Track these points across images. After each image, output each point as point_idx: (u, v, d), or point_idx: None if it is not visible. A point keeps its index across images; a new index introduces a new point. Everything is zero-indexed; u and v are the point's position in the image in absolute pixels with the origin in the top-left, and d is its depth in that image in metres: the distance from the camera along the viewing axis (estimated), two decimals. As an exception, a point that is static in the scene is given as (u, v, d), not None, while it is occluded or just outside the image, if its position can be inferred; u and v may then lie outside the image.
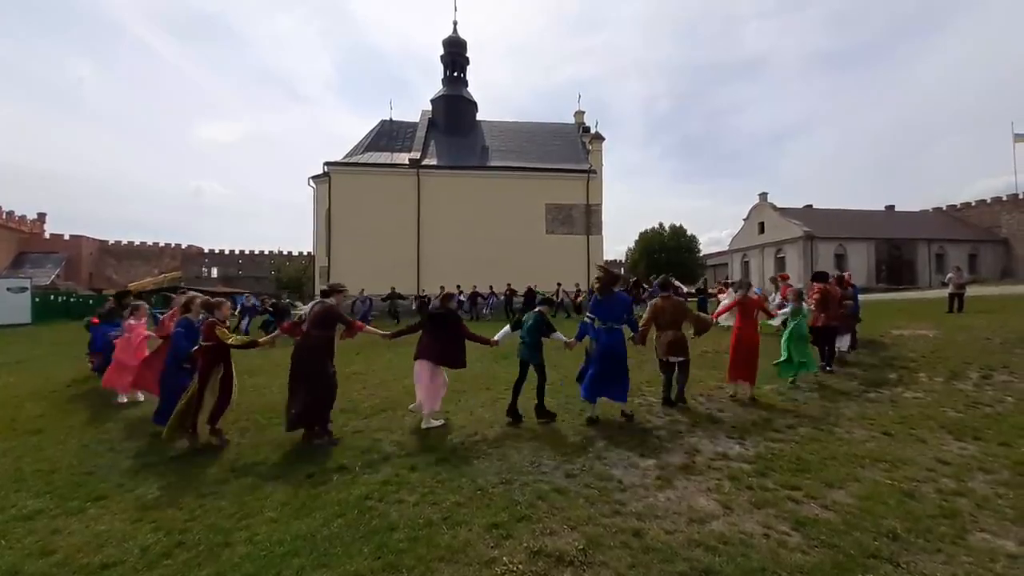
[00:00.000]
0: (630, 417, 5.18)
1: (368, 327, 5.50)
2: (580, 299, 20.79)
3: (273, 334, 5.33)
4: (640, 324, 5.71)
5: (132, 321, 6.98)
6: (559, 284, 21.78)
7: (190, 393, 4.66)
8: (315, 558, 2.72)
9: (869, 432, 4.57)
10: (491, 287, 21.94)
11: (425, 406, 5.12)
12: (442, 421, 5.25)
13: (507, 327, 5.60)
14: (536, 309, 5.53)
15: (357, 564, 2.64)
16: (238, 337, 4.87)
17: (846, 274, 9.49)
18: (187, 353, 4.99)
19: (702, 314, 6.20)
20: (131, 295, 8.11)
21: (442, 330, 5.27)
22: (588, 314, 5.42)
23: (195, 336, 4.92)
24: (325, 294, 5.21)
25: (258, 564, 2.68)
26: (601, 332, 5.16)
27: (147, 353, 6.52)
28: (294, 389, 4.75)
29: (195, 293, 6.44)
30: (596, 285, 5.44)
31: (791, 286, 8.03)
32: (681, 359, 5.68)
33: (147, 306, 7.09)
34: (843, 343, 8.04)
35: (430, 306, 5.60)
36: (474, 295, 21.00)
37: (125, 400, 6.59)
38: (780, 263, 38.96)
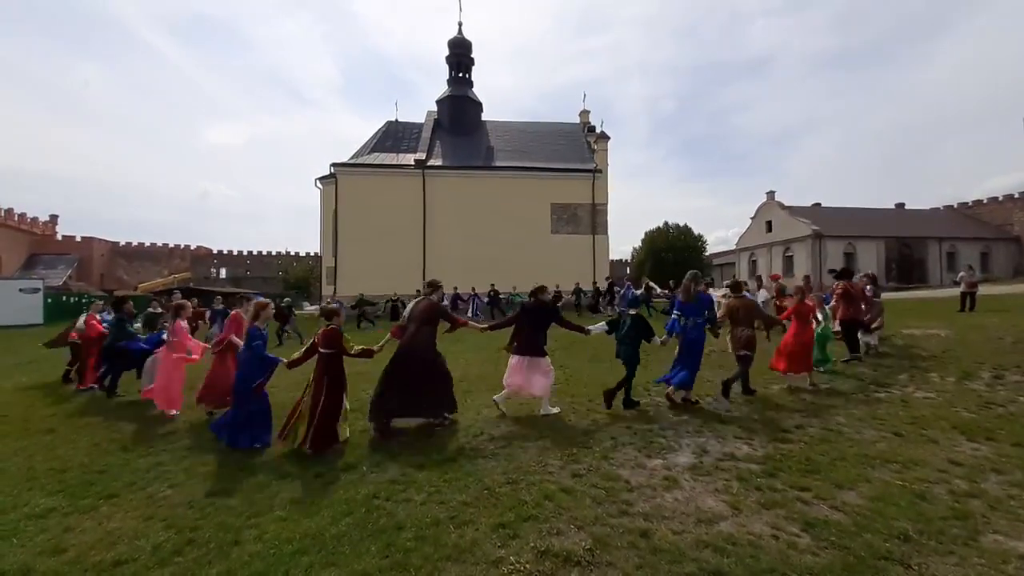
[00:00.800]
0: (695, 402, 5.67)
1: (471, 322, 6.22)
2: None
3: (385, 340, 5.29)
4: (717, 319, 6.06)
5: (182, 323, 6.28)
6: (578, 284, 21.88)
7: (308, 400, 4.57)
8: (323, 556, 2.73)
9: (880, 432, 4.53)
10: (473, 288, 21.44)
11: (544, 394, 5.50)
12: (557, 409, 5.58)
13: (603, 324, 5.94)
14: (633, 312, 5.79)
15: (365, 563, 2.65)
16: (357, 347, 4.83)
17: (871, 273, 9.75)
18: (272, 364, 4.82)
19: (771, 314, 6.99)
20: (128, 301, 8.06)
21: (538, 322, 5.60)
22: (675, 311, 5.87)
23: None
24: (430, 290, 5.56)
25: (267, 562, 2.70)
26: (688, 328, 5.64)
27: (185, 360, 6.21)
28: (403, 384, 4.98)
29: (184, 300, 6.51)
30: (681, 288, 6.01)
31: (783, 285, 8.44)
32: (749, 353, 5.96)
33: (190, 305, 6.75)
34: (873, 337, 8.27)
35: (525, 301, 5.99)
36: (455, 297, 20.37)
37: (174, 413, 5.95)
38: (788, 262, 38.66)
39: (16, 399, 7.16)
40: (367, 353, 4.88)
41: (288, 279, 52.35)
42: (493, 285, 20.80)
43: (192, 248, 60.67)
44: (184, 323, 6.35)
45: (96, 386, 7.44)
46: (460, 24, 34.46)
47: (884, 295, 9.87)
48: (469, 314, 20.61)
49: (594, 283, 22.39)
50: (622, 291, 20.00)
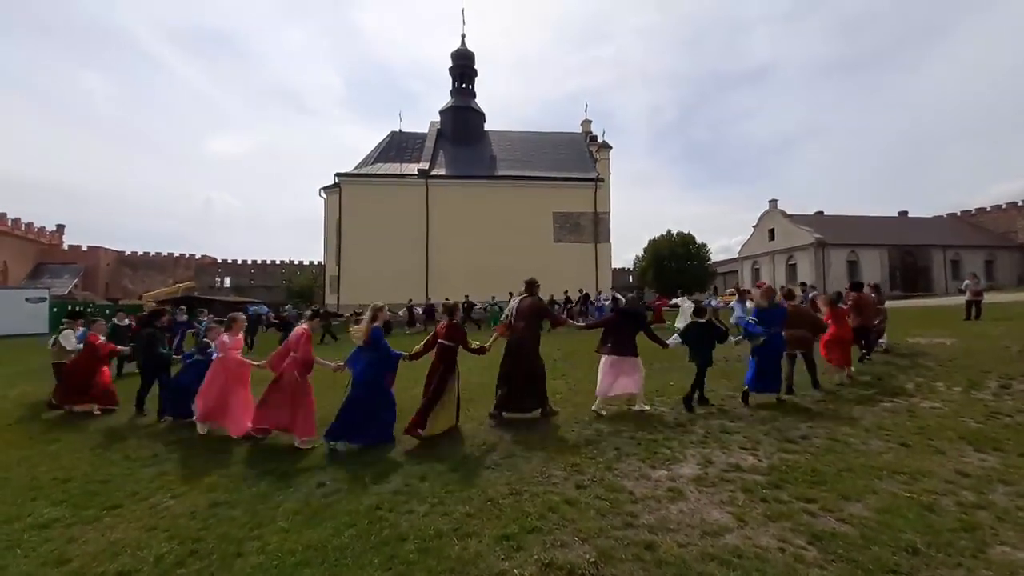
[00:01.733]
0: (783, 401, 6.08)
1: (569, 321, 6.95)
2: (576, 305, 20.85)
3: (493, 338, 5.74)
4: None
5: (226, 338, 5.77)
6: (583, 291, 21.85)
7: (436, 392, 5.10)
8: (326, 568, 2.72)
9: (886, 443, 4.49)
10: (447, 299, 21.04)
11: (639, 391, 5.89)
12: (649, 406, 5.90)
13: (676, 336, 6.30)
14: (701, 320, 6.14)
15: (367, 575, 2.64)
16: (474, 343, 5.49)
17: (874, 283, 10.59)
18: (397, 360, 5.22)
19: (819, 317, 7.29)
20: (165, 313, 8.05)
21: (632, 326, 5.98)
22: (752, 318, 6.40)
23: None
24: (529, 287, 6.03)
25: (270, 574, 2.70)
26: (767, 335, 6.04)
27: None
28: (518, 376, 5.51)
29: (236, 313, 6.35)
30: (762, 300, 6.48)
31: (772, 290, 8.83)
32: (804, 351, 6.60)
33: (243, 318, 6.24)
34: (883, 339, 9.28)
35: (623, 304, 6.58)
36: (429, 308, 19.68)
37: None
38: (791, 270, 38.59)
39: (20, 408, 7.19)
40: (482, 350, 5.47)
41: (292, 288, 52.46)
42: (467, 296, 19.97)
43: (197, 257, 60.99)
44: (232, 337, 5.81)
45: (98, 408, 6.75)
46: (463, 36, 34.93)
47: (888, 303, 10.14)
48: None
49: (565, 293, 21.89)
50: (598, 302, 20.08)
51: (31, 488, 4.10)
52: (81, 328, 7.89)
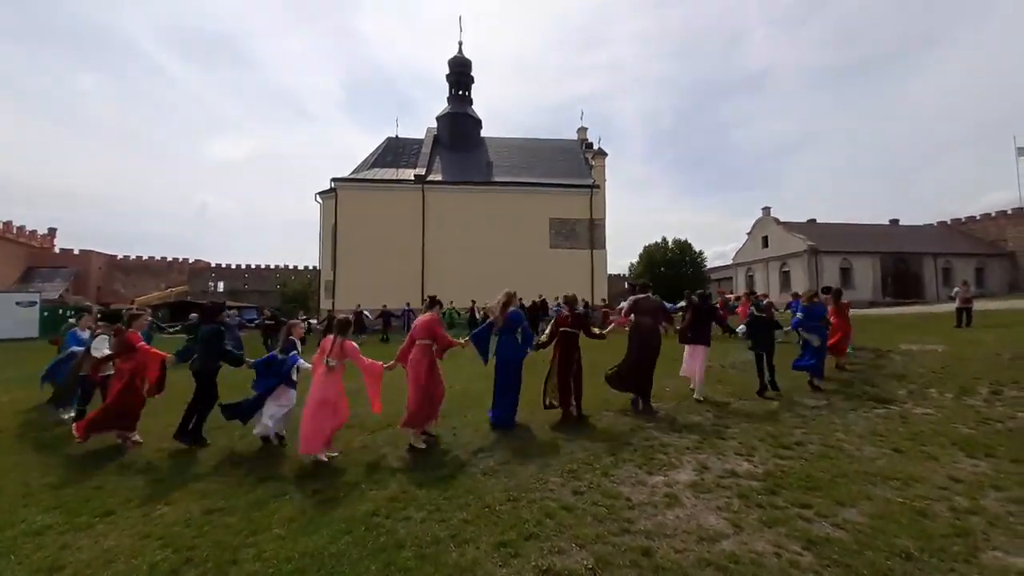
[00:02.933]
0: (818, 388, 7.07)
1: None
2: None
3: (609, 328, 6.67)
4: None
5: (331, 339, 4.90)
6: (541, 296, 21.58)
7: (560, 375, 5.85)
8: (322, 575, 2.71)
9: (880, 449, 4.53)
10: (408, 303, 20.59)
11: (701, 379, 6.78)
12: (702, 397, 6.65)
13: (743, 326, 7.63)
14: (762, 315, 7.17)
15: (365, 582, 2.63)
16: (596, 330, 6.35)
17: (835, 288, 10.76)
18: (529, 342, 5.84)
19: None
20: (224, 307, 6.33)
21: (707, 318, 7.03)
22: (799, 314, 7.74)
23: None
24: (645, 288, 6.81)
25: (266, 582, 2.68)
26: (810, 327, 7.34)
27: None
28: (643, 368, 6.24)
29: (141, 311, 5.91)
30: (803, 299, 8.17)
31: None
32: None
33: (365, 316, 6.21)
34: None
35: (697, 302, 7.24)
36: (386, 314, 19.17)
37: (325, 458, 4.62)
38: (785, 277, 38.87)
39: (12, 414, 7.10)
40: (603, 336, 6.32)
41: (286, 292, 52.26)
42: (430, 299, 19.71)
43: (190, 262, 60.66)
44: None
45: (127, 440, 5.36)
46: (460, 43, 35.11)
47: (880, 310, 10.29)
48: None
49: (519, 300, 21.30)
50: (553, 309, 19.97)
51: (24, 495, 4.04)
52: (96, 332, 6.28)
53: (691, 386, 6.98)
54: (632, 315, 6.47)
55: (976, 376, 7.10)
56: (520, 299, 6.17)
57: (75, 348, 6.66)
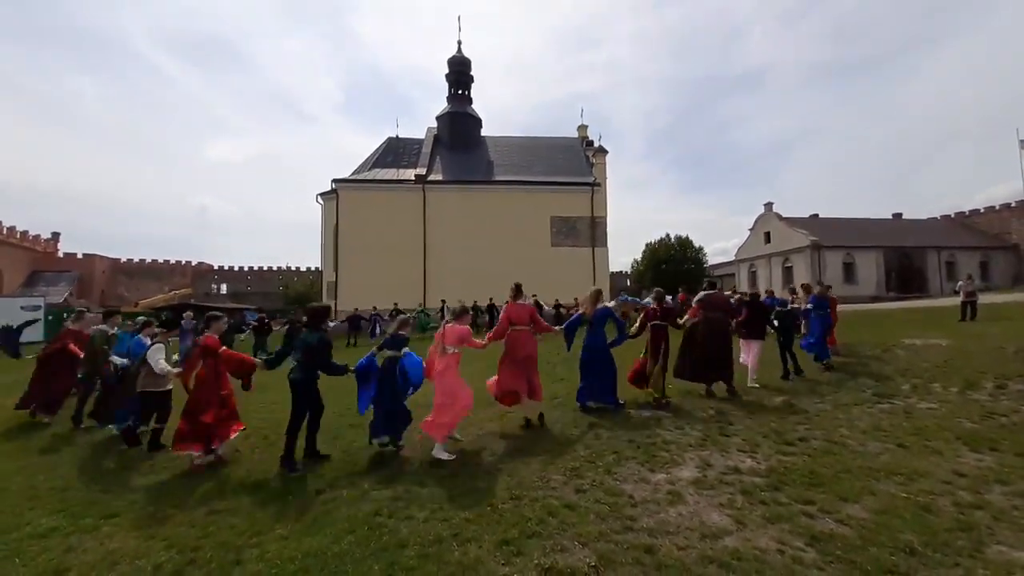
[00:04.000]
0: (830, 367, 8.15)
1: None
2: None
3: (686, 318, 7.17)
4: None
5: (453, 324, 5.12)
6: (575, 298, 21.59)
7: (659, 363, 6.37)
8: (325, 575, 2.72)
9: (883, 444, 4.51)
10: (375, 307, 19.76)
11: (755, 369, 7.46)
12: (758, 385, 7.22)
13: (773, 319, 8.26)
14: (785, 309, 8.69)
15: (368, 582, 2.64)
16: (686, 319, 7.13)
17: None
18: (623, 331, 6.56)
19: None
20: (327, 309, 5.67)
21: (761, 315, 7.86)
22: (807, 305, 8.91)
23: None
24: (712, 286, 7.51)
25: (269, 582, 2.69)
26: (816, 316, 8.62)
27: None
28: (714, 350, 6.79)
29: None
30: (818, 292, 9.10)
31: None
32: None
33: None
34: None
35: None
36: (355, 317, 18.38)
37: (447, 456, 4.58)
38: (788, 272, 38.75)
39: (18, 418, 7.14)
40: (681, 326, 7.02)
41: (289, 294, 52.37)
42: (396, 304, 19.06)
43: (193, 264, 60.84)
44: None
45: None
46: (459, 43, 35.07)
47: (884, 305, 10.36)
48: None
49: (475, 302, 19.59)
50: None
51: (29, 498, 4.08)
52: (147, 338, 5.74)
53: (751, 376, 7.50)
54: (702, 310, 7.05)
55: (980, 370, 7.07)
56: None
57: (116, 359, 6.18)
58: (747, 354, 7.62)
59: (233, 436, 4.95)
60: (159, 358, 5.10)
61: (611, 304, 7.36)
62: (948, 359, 8.06)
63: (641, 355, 6.76)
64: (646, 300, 8.72)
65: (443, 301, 19.81)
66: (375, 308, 19.78)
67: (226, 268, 62.38)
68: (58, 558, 3.06)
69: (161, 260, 59.54)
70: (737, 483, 3.75)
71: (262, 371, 5.06)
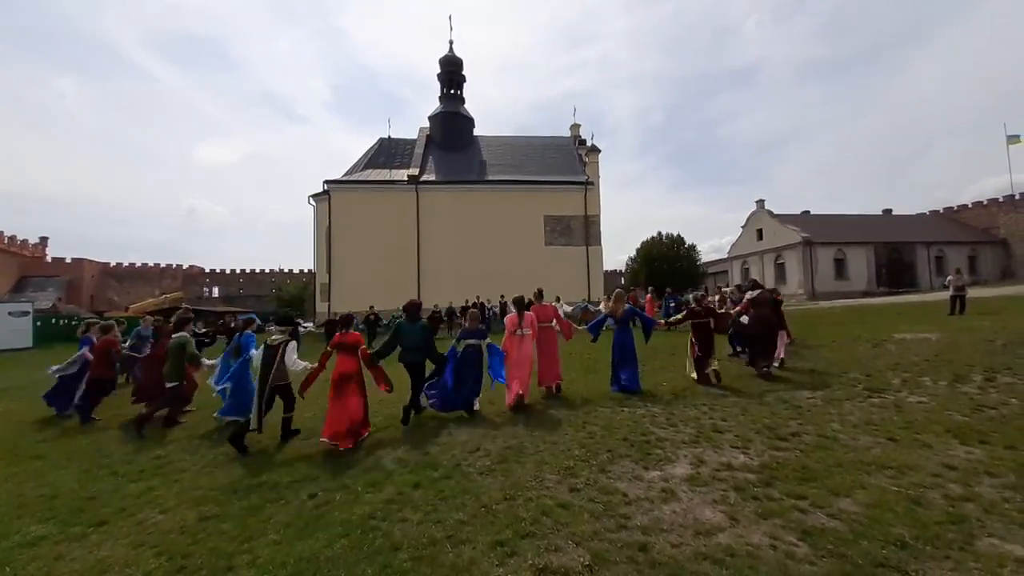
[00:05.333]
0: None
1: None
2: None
3: (739, 311, 8.21)
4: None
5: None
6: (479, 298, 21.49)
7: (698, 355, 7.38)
8: (319, 580, 2.70)
9: (874, 438, 4.54)
10: (348, 311, 19.81)
11: (783, 352, 8.22)
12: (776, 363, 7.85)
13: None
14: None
15: (361, 585, 2.62)
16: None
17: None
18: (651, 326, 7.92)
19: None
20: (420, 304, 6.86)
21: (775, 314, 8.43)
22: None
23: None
24: (756, 286, 8.52)
25: (261, 587, 2.66)
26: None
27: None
28: (766, 340, 7.70)
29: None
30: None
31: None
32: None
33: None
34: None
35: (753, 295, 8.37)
36: (331, 323, 18.41)
37: None
38: (780, 269, 39.04)
39: (5, 425, 7.04)
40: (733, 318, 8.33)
41: (282, 296, 52.06)
42: (372, 307, 19.00)
43: (184, 268, 60.35)
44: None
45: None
46: (451, 42, 35.15)
47: (874, 300, 10.42)
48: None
49: (435, 306, 20.52)
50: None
51: (18, 506, 4.02)
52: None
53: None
54: (751, 308, 8.02)
55: (970, 363, 7.14)
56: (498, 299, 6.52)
57: (206, 361, 6.86)
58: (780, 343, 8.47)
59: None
60: (294, 355, 5.54)
61: (568, 309, 9.09)
62: (938, 353, 8.14)
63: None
64: (598, 308, 9.30)
65: (502, 296, 20.49)
66: (349, 312, 19.54)
67: (217, 271, 61.94)
68: (47, 566, 3.02)
69: (151, 264, 59.03)
70: (730, 479, 3.77)
71: None
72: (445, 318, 20.12)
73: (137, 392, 7.83)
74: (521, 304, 7.06)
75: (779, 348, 8.10)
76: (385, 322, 18.73)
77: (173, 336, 6.78)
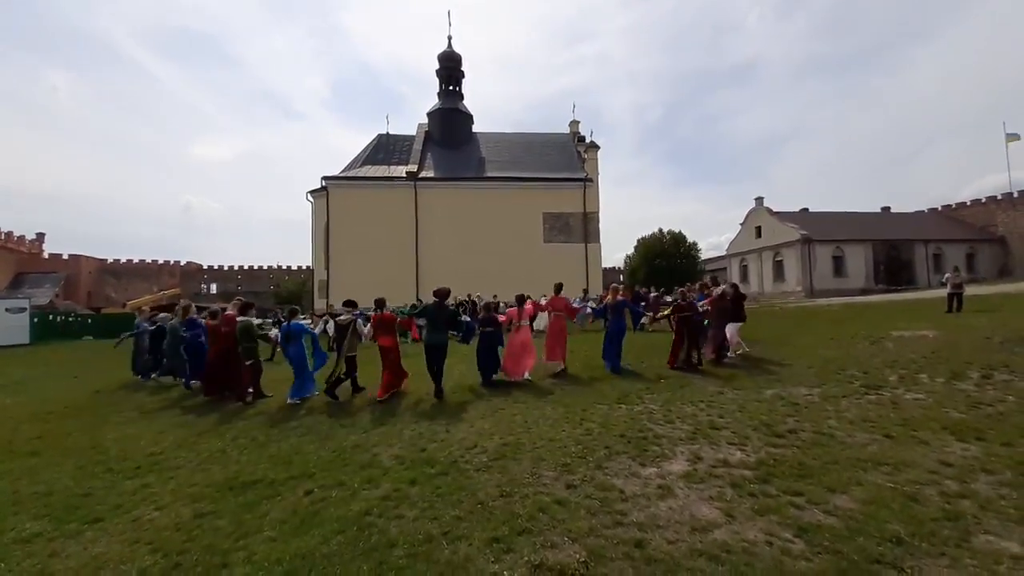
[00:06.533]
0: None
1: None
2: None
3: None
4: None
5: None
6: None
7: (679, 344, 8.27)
8: (314, 577, 2.70)
9: (871, 435, 4.55)
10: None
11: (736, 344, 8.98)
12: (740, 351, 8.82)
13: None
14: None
15: (356, 582, 2.62)
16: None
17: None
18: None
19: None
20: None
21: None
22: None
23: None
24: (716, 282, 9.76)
25: (256, 584, 2.66)
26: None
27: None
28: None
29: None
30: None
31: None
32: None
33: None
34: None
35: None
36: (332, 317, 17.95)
37: None
38: (779, 267, 39.04)
39: (0, 421, 7.02)
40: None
41: (280, 293, 52.00)
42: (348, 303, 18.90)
43: (182, 264, 60.19)
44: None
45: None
46: (450, 38, 34.88)
47: (872, 297, 10.60)
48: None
49: (418, 299, 20.08)
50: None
51: (13, 502, 4.01)
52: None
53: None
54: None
55: (967, 361, 7.15)
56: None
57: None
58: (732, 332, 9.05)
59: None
60: (365, 328, 7.46)
61: (590, 310, 10.37)
62: (935, 350, 8.15)
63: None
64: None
65: (494, 296, 20.33)
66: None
67: (215, 267, 61.79)
68: (42, 563, 3.01)
69: (149, 260, 58.85)
70: (727, 476, 3.77)
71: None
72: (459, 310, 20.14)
73: (207, 384, 8.11)
74: (521, 300, 8.56)
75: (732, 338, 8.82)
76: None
77: (239, 320, 7.60)
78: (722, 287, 9.36)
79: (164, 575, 2.80)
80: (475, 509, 3.40)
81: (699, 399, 6.19)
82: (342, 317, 7.41)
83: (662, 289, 22.31)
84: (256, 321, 8.05)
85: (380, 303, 7.58)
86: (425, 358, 7.18)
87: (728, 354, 8.77)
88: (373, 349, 7.57)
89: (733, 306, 9.07)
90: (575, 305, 10.13)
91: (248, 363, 7.41)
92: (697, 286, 10.88)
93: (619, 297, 8.85)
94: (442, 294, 7.53)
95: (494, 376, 7.78)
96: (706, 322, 9.27)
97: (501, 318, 8.52)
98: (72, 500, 3.99)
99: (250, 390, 7.36)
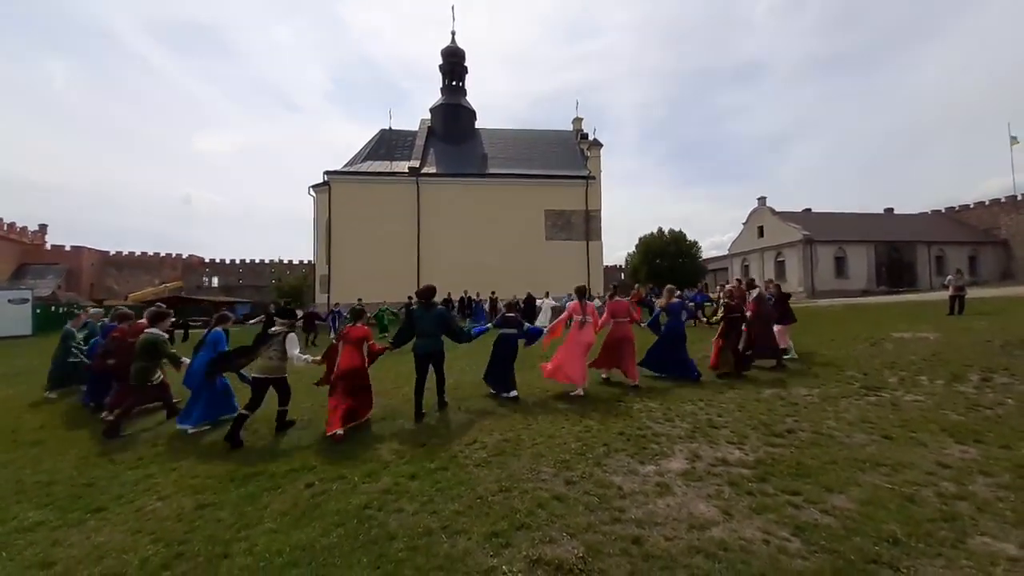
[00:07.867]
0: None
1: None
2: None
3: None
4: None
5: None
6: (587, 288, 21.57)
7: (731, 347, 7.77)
8: (314, 569, 2.71)
9: (869, 436, 4.56)
10: (337, 303, 19.17)
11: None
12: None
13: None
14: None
15: (356, 574, 2.64)
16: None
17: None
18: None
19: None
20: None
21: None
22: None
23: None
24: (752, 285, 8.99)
25: (257, 575, 2.68)
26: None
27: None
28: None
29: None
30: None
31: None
32: None
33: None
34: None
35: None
36: (311, 316, 16.76)
37: None
38: (780, 267, 38.99)
39: (4, 411, 7.06)
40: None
41: (281, 287, 52.08)
42: (337, 303, 18.46)
43: (184, 257, 60.29)
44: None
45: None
46: (453, 33, 34.81)
47: (874, 299, 10.45)
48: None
49: (409, 298, 18.46)
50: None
51: (16, 491, 4.04)
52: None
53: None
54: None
55: (967, 363, 7.16)
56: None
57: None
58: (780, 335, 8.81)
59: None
60: (295, 349, 5.37)
61: (598, 303, 8.82)
62: (935, 352, 8.16)
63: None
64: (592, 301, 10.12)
65: (492, 292, 20.99)
66: (337, 304, 19.22)
67: (217, 261, 61.87)
68: (44, 552, 3.03)
69: (151, 253, 58.95)
70: (725, 474, 3.78)
71: None
72: (456, 306, 20.12)
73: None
74: (582, 293, 7.30)
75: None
76: (322, 319, 17.23)
77: (145, 331, 5.99)
78: (758, 289, 8.84)
79: (166, 565, 2.83)
80: (474, 504, 3.42)
81: (698, 398, 6.21)
82: (274, 328, 5.41)
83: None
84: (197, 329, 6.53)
85: (357, 314, 6.08)
86: (415, 371, 5.94)
87: (786, 356, 8.38)
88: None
89: (779, 307, 8.80)
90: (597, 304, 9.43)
91: (133, 384, 5.79)
92: (699, 286, 10.87)
93: (674, 299, 7.89)
94: (427, 293, 6.14)
95: (513, 392, 6.45)
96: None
97: (562, 315, 7.45)
98: (75, 490, 4.02)
99: (116, 411, 5.75)
